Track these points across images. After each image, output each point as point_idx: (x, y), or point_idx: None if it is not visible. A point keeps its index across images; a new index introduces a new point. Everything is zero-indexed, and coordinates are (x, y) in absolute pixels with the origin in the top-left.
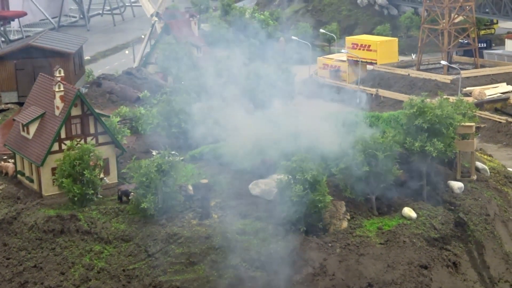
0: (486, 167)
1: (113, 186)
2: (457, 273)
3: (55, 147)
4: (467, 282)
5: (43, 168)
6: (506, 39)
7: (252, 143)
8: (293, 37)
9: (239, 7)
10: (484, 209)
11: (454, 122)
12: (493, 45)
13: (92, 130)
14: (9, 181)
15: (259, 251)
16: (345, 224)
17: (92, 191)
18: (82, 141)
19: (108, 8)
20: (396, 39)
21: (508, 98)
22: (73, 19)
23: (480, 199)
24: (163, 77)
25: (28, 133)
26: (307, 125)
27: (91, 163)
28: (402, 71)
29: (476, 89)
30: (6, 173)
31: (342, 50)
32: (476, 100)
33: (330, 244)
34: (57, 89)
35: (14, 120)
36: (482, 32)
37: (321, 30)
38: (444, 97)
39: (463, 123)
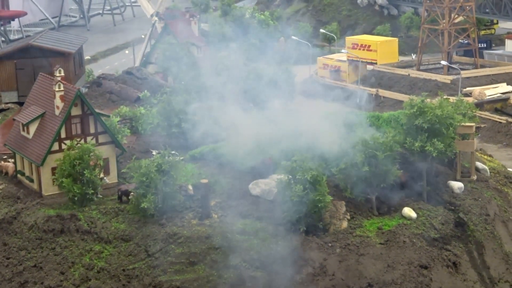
0: (486, 167)
1: (113, 186)
2: (457, 273)
3: (55, 146)
4: (467, 282)
5: (43, 168)
6: (506, 39)
7: (252, 143)
8: (293, 37)
9: (239, 7)
10: (484, 209)
11: (454, 122)
12: (493, 45)
13: (92, 130)
14: (9, 181)
15: (259, 251)
16: (345, 224)
17: (92, 191)
18: (82, 141)
19: (108, 8)
20: (396, 39)
21: (508, 98)
22: (73, 19)
23: (480, 199)
24: (163, 77)
25: (28, 132)
26: (307, 125)
27: (91, 163)
28: (402, 71)
29: (476, 89)
30: (6, 173)
31: (342, 50)
32: (476, 100)
33: (330, 244)
34: (57, 89)
35: (14, 119)
36: (482, 32)
37: (321, 30)
38: (444, 97)
39: (463, 123)
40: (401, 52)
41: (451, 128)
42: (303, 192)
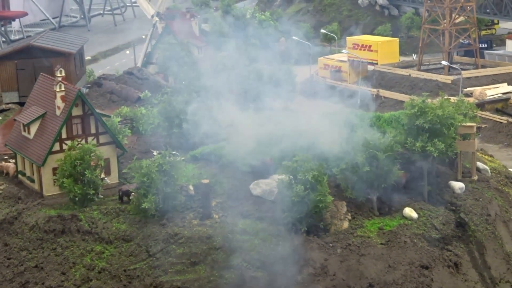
0: (487, 168)
1: (114, 186)
2: (458, 273)
3: (56, 147)
4: (468, 283)
5: (44, 168)
6: (507, 40)
7: (253, 143)
8: (294, 37)
9: (239, 7)
10: (485, 209)
11: (455, 123)
12: (494, 45)
13: (93, 130)
14: (10, 181)
15: (260, 251)
16: (346, 224)
17: (93, 191)
18: (83, 141)
19: (109, 8)
20: (397, 40)
21: (509, 99)
22: (74, 19)
23: (481, 199)
24: (164, 77)
25: (29, 133)
26: (308, 125)
27: (92, 163)
28: (403, 72)
29: (477, 90)
30: (7, 173)
31: (343, 51)
32: (477, 101)
33: (331, 244)
34: (58, 89)
35: (15, 120)
36: (483, 32)
37: (322, 30)
38: (445, 97)
39: (464, 124)
40: (402, 52)
41: (452, 128)
42: (304, 192)
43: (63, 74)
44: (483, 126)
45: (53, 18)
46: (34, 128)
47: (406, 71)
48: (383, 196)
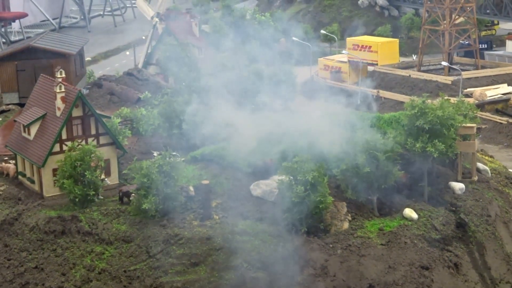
0: (487, 168)
1: (114, 187)
2: (458, 274)
3: (56, 148)
4: (468, 283)
5: (44, 169)
6: (507, 40)
7: (253, 144)
8: (294, 38)
9: (240, 8)
10: (485, 210)
11: (455, 123)
12: (494, 46)
13: (93, 131)
14: (10, 182)
15: (260, 252)
16: (346, 225)
17: (93, 192)
18: (83, 142)
19: (109, 9)
20: (397, 40)
21: (509, 99)
22: (74, 20)
23: (481, 200)
24: (164, 78)
25: (29, 134)
26: (308, 126)
27: (92, 164)
28: (403, 72)
29: (477, 90)
30: (7, 174)
31: (343, 51)
32: (477, 101)
33: (331, 245)
34: (58, 90)
35: (15, 121)
36: (483, 33)
37: (322, 31)
38: (445, 98)
39: (464, 124)
40: (402, 53)
41: (452, 129)
42: (304, 193)
43: (63, 75)
44: (483, 126)
45: (53, 19)
46: (34, 129)
47: (406, 72)
48: (383, 197)
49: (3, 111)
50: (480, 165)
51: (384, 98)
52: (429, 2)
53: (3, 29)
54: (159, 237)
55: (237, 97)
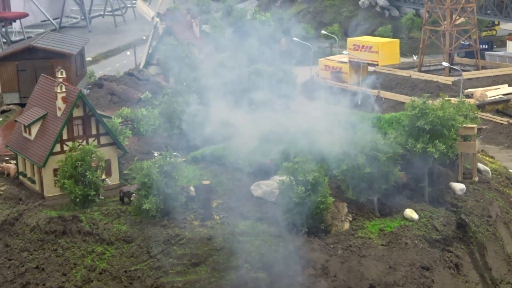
0: (488, 169)
1: (115, 187)
2: (459, 274)
3: (57, 148)
4: (469, 284)
5: (45, 169)
6: (507, 41)
7: (254, 144)
8: (295, 38)
9: (240, 8)
10: (486, 210)
11: (455, 124)
12: (495, 46)
13: (94, 131)
14: (11, 182)
15: (261, 252)
16: (346, 225)
17: (94, 192)
18: (84, 142)
19: (110, 9)
20: (397, 41)
21: (509, 100)
22: (75, 20)
23: (482, 200)
24: (165, 78)
25: (30, 134)
26: (308, 126)
27: (93, 164)
28: (404, 73)
29: (478, 91)
30: (8, 174)
31: (344, 52)
32: (477, 102)
33: (332, 246)
34: (59, 90)
35: (16, 121)
36: (484, 33)
37: (323, 32)
38: (446, 98)
39: (464, 125)
40: (403, 54)
41: (452, 130)
42: (305, 193)
43: (64, 75)
44: (484, 127)
45: (54, 19)
46: (35, 129)
47: (406, 72)
48: (384, 197)
49: (3, 111)
50: (480, 166)
51: (385, 98)
52: (429, 3)
53: (3, 29)
54: (159, 237)
55: (238, 98)
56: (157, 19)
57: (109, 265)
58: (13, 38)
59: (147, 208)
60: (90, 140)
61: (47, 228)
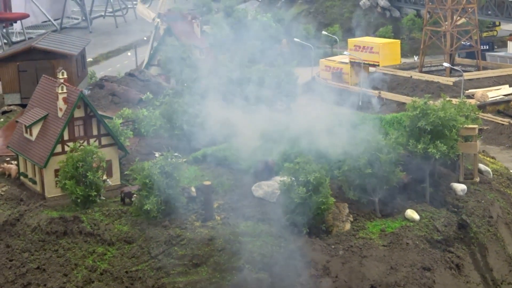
0: (489, 169)
1: (116, 188)
2: (460, 275)
3: (58, 148)
4: (470, 284)
5: (46, 170)
6: (508, 41)
7: (255, 144)
8: (296, 39)
9: (241, 9)
10: (487, 211)
11: (457, 124)
12: (496, 47)
13: (95, 132)
14: (12, 183)
15: (262, 253)
16: (348, 226)
17: (95, 193)
18: (85, 143)
19: (111, 10)
20: (398, 41)
21: (510, 100)
22: (75, 21)
23: (483, 201)
24: (166, 79)
25: (31, 134)
26: (309, 127)
27: (94, 164)
28: (405, 73)
29: (479, 91)
30: (9, 175)
31: (345, 52)
32: (478, 102)
33: (333, 246)
34: (60, 91)
35: (17, 121)
36: (485, 34)
37: (324, 32)
38: (447, 99)
39: (466, 125)
40: (404, 54)
41: (454, 130)
42: (306, 194)
43: (65, 76)
44: (485, 128)
45: (55, 20)
46: (36, 130)
47: (407, 73)
48: (385, 198)
49: (5, 112)
50: (481, 166)
51: (385, 99)
52: (430, 3)
53: (4, 30)
54: (161, 238)
55: (239, 98)
56: (158, 20)
57: (110, 265)
58: (14, 39)
59: (148, 208)
60: (91, 140)
61: (48, 229)
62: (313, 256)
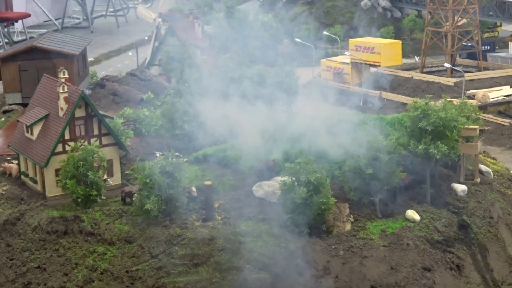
0: (490, 170)
1: (116, 187)
2: (461, 275)
3: (59, 148)
4: (470, 285)
5: (46, 169)
6: (509, 42)
7: (256, 145)
8: (297, 39)
9: (242, 9)
10: (488, 212)
11: (458, 125)
12: (497, 47)
13: (96, 132)
14: (12, 182)
15: (262, 253)
16: (348, 226)
17: (96, 193)
18: (86, 143)
19: (112, 9)
20: (399, 42)
21: (511, 101)
22: (77, 21)
23: (483, 202)
24: (167, 78)
25: (32, 134)
26: (310, 127)
27: (95, 164)
28: (406, 74)
29: (480, 92)
30: (10, 174)
31: (346, 53)
32: (479, 103)
33: (333, 246)
34: (61, 90)
35: (18, 121)
36: (486, 34)
37: (325, 33)
38: (448, 99)
39: (466, 126)
40: (405, 55)
41: (454, 131)
42: (306, 194)
43: (66, 76)
44: (486, 128)
45: (56, 20)
46: (37, 129)
47: (408, 73)
48: (385, 198)
49: (6, 111)
50: (482, 167)
51: (387, 99)
52: (431, 4)
53: (6, 29)
54: (161, 238)
55: (239, 98)
56: (159, 20)
57: (111, 265)
58: (15, 39)
59: (149, 208)
60: (92, 140)
61: (49, 228)
62: (314, 256)
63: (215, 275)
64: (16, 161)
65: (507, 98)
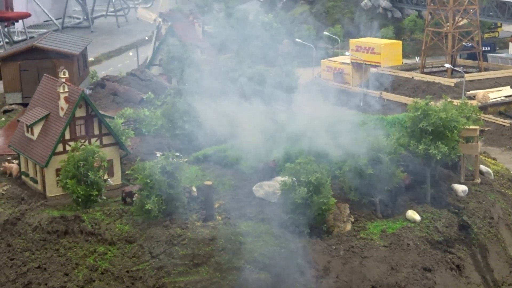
0: (490, 170)
1: (117, 187)
2: (461, 276)
3: (60, 148)
4: (470, 285)
5: (47, 169)
6: (510, 43)
7: (256, 145)
8: (297, 39)
9: (243, 9)
10: (488, 212)
11: (458, 125)
12: (497, 48)
13: (96, 131)
14: (13, 182)
15: (263, 253)
16: (348, 226)
17: (96, 192)
18: (86, 142)
19: (112, 9)
20: (400, 42)
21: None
22: (77, 21)
23: (484, 202)
24: (167, 78)
25: (32, 134)
26: (310, 127)
27: (95, 164)
28: (406, 74)
29: (480, 92)
30: (10, 174)
31: (346, 53)
32: (480, 103)
33: (334, 247)
34: (61, 90)
35: (18, 121)
36: (486, 35)
37: (325, 33)
38: (448, 100)
39: (467, 126)
40: (405, 55)
41: (455, 131)
42: (307, 194)
43: (67, 75)
44: (486, 129)
45: (56, 19)
46: (37, 129)
47: (409, 74)
48: (386, 198)
49: (6, 111)
50: (483, 168)
51: (387, 99)
52: (432, 4)
53: (6, 29)
54: (161, 238)
55: (240, 98)
56: (160, 20)
57: (111, 265)
58: (15, 38)
59: (149, 208)
60: (93, 140)
61: (49, 228)
62: (314, 257)
63: (215, 275)
64: (17, 161)
65: (508, 99)
